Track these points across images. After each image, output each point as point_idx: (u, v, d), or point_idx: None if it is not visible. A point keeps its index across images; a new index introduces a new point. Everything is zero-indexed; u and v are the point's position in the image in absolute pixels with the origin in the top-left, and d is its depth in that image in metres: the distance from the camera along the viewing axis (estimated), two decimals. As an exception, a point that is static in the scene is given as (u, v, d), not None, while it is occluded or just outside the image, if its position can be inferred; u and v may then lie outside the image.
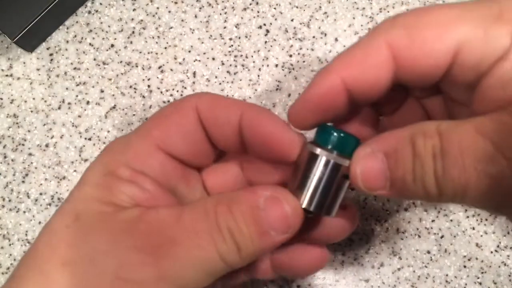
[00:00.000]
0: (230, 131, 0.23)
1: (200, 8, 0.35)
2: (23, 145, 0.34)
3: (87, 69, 0.35)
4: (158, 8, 0.35)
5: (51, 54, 0.35)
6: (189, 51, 0.35)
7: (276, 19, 0.35)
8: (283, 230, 0.21)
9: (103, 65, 0.35)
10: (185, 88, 0.34)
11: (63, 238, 0.21)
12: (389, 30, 0.21)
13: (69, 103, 0.34)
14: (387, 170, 0.20)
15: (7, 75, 0.35)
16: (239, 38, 0.35)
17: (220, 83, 0.34)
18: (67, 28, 0.35)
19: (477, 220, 0.32)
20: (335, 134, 0.22)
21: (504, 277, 0.31)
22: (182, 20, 0.35)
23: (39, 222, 0.33)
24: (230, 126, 0.23)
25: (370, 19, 0.35)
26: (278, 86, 0.34)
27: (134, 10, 0.35)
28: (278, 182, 0.24)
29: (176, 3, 0.35)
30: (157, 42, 0.35)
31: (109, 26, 0.35)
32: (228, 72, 0.34)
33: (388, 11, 0.35)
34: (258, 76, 0.34)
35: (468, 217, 0.32)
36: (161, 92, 0.34)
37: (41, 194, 0.33)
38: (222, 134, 0.24)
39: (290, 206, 0.21)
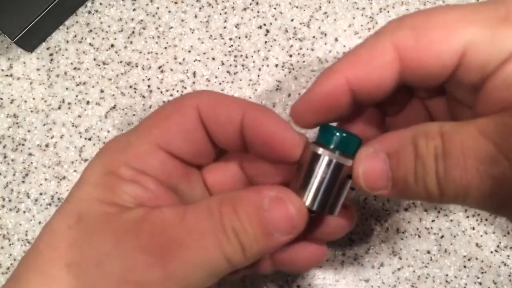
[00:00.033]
0: (232, 131, 0.23)
1: (200, 8, 0.35)
2: (23, 145, 0.34)
3: (87, 69, 0.35)
4: (158, 8, 0.35)
5: (51, 54, 0.35)
6: (189, 51, 0.35)
7: (276, 19, 0.35)
8: (288, 231, 0.21)
9: (103, 65, 0.35)
10: (185, 88, 0.34)
11: (66, 239, 0.21)
12: (395, 31, 0.21)
13: (69, 103, 0.34)
14: (389, 170, 0.20)
15: (7, 75, 0.35)
16: (239, 38, 0.35)
17: (220, 83, 0.34)
18: (67, 28, 0.35)
19: (477, 220, 0.32)
20: (337, 134, 0.22)
21: (504, 277, 0.31)
22: (182, 20, 0.35)
23: (39, 222, 0.33)
24: (231, 126, 0.23)
25: (370, 19, 0.35)
26: (278, 86, 0.34)
27: (134, 10, 0.35)
28: (278, 180, 0.24)
29: (176, 3, 0.35)
30: (157, 42, 0.35)
31: (109, 26, 0.35)
32: (228, 72, 0.34)
33: (388, 11, 0.35)
34: (258, 76, 0.34)
35: (468, 217, 0.32)
36: (161, 92, 0.34)
37: (41, 194, 0.33)
38: (223, 134, 0.23)
39: (294, 207, 0.21)
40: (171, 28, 0.35)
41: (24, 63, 0.35)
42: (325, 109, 0.23)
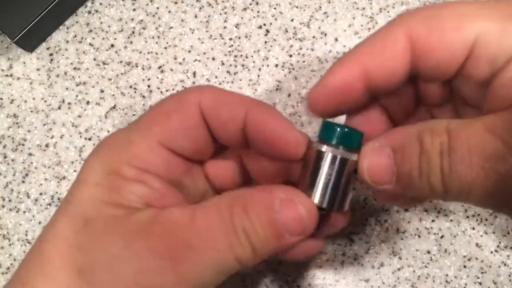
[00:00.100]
0: (234, 129, 0.23)
1: (200, 8, 0.35)
2: (23, 145, 0.34)
3: (87, 69, 0.35)
4: (158, 8, 0.35)
5: (51, 54, 0.35)
6: (189, 51, 0.35)
7: (276, 19, 0.35)
8: (299, 232, 0.21)
9: (103, 65, 0.35)
10: (185, 88, 0.34)
11: (73, 244, 0.21)
12: (408, 21, 0.21)
13: (69, 103, 0.34)
14: (393, 165, 0.20)
15: (7, 75, 0.35)
16: (239, 38, 0.35)
17: (220, 83, 0.34)
18: (67, 28, 0.35)
19: (477, 220, 0.32)
20: (339, 129, 0.22)
21: (504, 277, 0.31)
22: (182, 20, 0.35)
23: (39, 222, 0.33)
24: (234, 124, 0.23)
25: (370, 19, 0.35)
26: (278, 86, 0.34)
27: (134, 10, 0.35)
28: (278, 174, 0.25)
29: (176, 3, 0.35)
30: (157, 42, 0.35)
31: (109, 26, 0.35)
32: (228, 72, 0.34)
33: (388, 11, 0.35)
34: (258, 76, 0.34)
35: (468, 217, 0.32)
36: (161, 92, 0.34)
37: (41, 194, 0.33)
38: (225, 131, 0.23)
39: (305, 208, 0.21)
40: (171, 28, 0.35)
41: (24, 63, 0.35)
42: (340, 96, 0.23)
